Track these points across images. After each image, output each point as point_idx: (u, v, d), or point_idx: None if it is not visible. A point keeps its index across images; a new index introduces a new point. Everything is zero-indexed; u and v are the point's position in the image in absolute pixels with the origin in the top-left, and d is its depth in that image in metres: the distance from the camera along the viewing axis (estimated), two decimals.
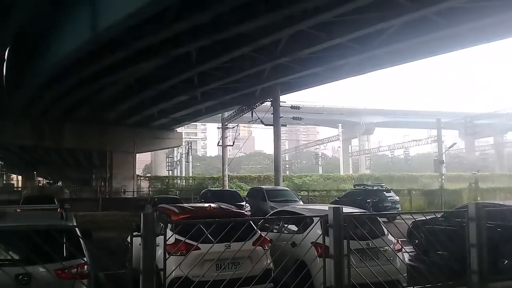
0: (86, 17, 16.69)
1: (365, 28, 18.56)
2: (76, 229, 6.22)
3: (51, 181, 75.36)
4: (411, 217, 9.82)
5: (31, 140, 36.33)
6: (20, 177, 70.89)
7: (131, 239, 4.21)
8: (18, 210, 14.23)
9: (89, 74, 23.51)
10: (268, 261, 6.48)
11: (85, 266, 5.67)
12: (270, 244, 6.97)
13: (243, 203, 19.63)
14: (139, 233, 4.23)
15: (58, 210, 8.33)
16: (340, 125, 70.58)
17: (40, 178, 73.60)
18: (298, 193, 25.52)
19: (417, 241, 11.40)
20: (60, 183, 71.73)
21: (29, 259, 4.86)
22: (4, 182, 69.57)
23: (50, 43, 20.96)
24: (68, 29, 18.72)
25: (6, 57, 23.75)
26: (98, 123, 35.83)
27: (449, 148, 41.76)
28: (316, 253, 6.07)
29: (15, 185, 65.37)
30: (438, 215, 10.55)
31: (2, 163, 65.00)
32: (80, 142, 37.94)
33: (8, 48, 22.50)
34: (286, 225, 8.27)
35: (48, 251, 4.30)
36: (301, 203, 19.72)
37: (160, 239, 4.41)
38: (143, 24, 16.72)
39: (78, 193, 50.57)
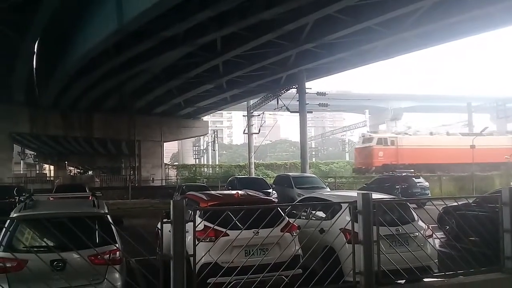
0: (113, 8, 16.89)
1: (394, 10, 18.15)
2: (108, 216, 6.36)
3: (82, 171, 77.11)
4: (442, 202, 9.67)
5: (62, 130, 37.27)
6: (52, 167, 72.77)
7: (162, 226, 4.26)
8: (51, 198, 14.69)
9: (116, 64, 23.88)
10: (297, 247, 6.47)
11: (117, 252, 5.80)
12: (298, 230, 6.96)
13: (270, 190, 19.64)
14: (169, 220, 4.28)
15: (90, 198, 8.54)
16: (367, 111, 69.59)
17: (71, 168, 75.37)
18: (325, 180, 25.39)
19: (448, 227, 11.19)
20: (90, 172, 73.32)
21: (63, 245, 4.99)
22: (37, 172, 71.58)
23: (78, 35, 21.34)
24: (95, 20, 19.01)
25: (36, 50, 24.34)
26: (126, 113, 36.41)
27: (481, 132, 40.74)
28: (345, 239, 6.03)
29: (48, 175, 67.25)
30: (470, 200, 10.30)
31: (35, 154, 66.87)
32: (109, 131, 38.67)
33: (37, 41, 23.03)
34: (314, 212, 8.23)
35: (82, 238, 4.41)
36: (328, 189, 19.60)
37: (189, 226, 4.46)
38: (168, 13, 16.82)
39: (108, 181, 51.65)
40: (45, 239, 5.57)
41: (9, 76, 27.32)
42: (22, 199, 10.38)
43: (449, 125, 57.86)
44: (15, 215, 6.42)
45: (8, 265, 5.33)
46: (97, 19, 18.81)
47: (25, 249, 5.48)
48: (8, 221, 5.92)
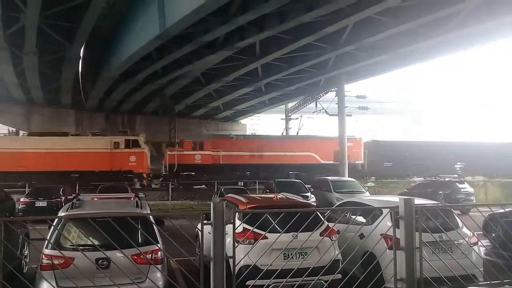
0: (155, 13, 17.30)
1: (437, 12, 17.68)
2: (150, 216, 6.51)
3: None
4: (487, 209, 9.33)
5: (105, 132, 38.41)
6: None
7: (202, 227, 4.33)
8: (95, 199, 15.14)
9: (158, 68, 24.45)
10: (336, 252, 6.41)
11: (159, 252, 5.93)
12: (337, 235, 6.89)
13: (308, 194, 19.50)
14: (209, 222, 4.34)
15: (132, 199, 8.74)
16: (407, 114, 68.15)
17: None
18: (364, 184, 24.97)
19: (494, 234, 10.78)
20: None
21: (108, 244, 5.15)
22: None
23: (122, 40, 21.99)
24: (139, 25, 19.53)
25: (82, 55, 25.28)
26: (166, 115, 37.14)
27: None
28: (386, 245, 5.92)
29: None
30: None
31: None
32: (150, 133, 39.50)
33: (83, 46, 23.91)
34: (354, 217, 8.13)
35: (126, 237, 4.53)
36: (368, 194, 19.26)
37: (228, 228, 4.49)
38: (208, 17, 17.06)
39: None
40: (90, 238, 5.76)
41: (57, 80, 28.48)
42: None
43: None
44: (62, 214, 6.66)
45: (55, 262, 5.56)
46: (141, 24, 19.33)
47: (72, 247, 5.66)
48: (56, 220, 6.17)
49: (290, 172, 31.78)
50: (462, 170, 36.06)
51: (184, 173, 31.19)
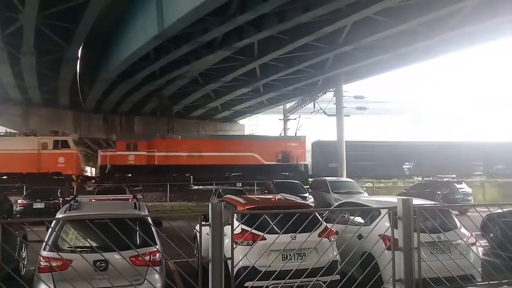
0: (154, 13, 17.27)
1: (436, 11, 17.70)
2: (148, 218, 6.49)
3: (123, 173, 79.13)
4: (485, 209, 9.33)
5: (103, 133, 38.37)
6: (93, 169, 75.08)
7: (200, 229, 4.32)
8: (93, 200, 15.12)
9: (156, 68, 24.42)
10: (335, 253, 6.41)
11: (157, 254, 5.92)
12: (336, 235, 6.89)
13: (306, 194, 19.52)
14: (207, 223, 4.33)
15: (130, 200, 8.72)
16: (407, 114, 68.25)
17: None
18: (363, 185, 24.98)
19: (492, 234, 10.78)
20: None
21: (106, 246, 5.14)
22: None
23: (120, 40, 21.96)
24: (137, 26, 19.51)
25: (79, 55, 25.22)
26: (164, 116, 37.10)
27: None
28: (384, 245, 5.92)
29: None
30: None
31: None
32: (148, 133, 39.42)
33: (81, 47, 23.85)
34: (352, 217, 8.13)
35: (124, 239, 4.52)
36: (366, 194, 19.28)
37: (227, 229, 4.49)
38: (207, 17, 17.05)
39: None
40: (88, 240, 5.74)
41: (55, 81, 28.43)
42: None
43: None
44: (60, 216, 6.64)
45: (53, 264, 5.54)
46: (139, 24, 19.30)
47: (70, 249, 5.64)
48: (54, 221, 6.15)
49: (230, 174, 30.74)
50: (410, 171, 36.01)
51: (118, 175, 29.95)
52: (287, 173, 30.85)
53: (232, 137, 37.75)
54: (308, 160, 34.27)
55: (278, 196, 8.35)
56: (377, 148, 35.76)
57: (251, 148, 32.52)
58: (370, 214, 7.33)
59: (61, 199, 17.75)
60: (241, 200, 7.84)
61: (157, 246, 5.89)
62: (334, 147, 30.42)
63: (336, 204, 12.35)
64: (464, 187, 21.61)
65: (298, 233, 5.67)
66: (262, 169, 30.88)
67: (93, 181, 31.17)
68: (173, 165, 30.70)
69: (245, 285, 5.14)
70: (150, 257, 5.80)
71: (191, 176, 30.71)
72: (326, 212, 8.80)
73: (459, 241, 6.78)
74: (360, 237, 6.81)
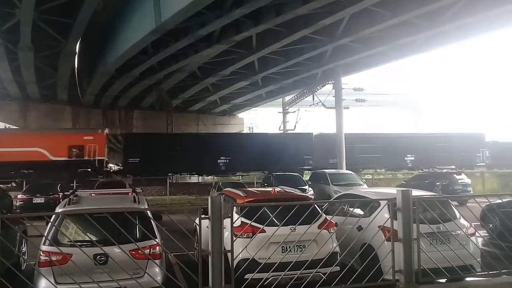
0: (151, 6, 17.20)
1: (434, 2, 17.63)
2: (148, 211, 6.50)
3: (122, 167, 79.04)
4: (485, 200, 9.35)
5: (102, 127, 38.28)
6: None
7: (200, 222, 4.32)
8: (92, 194, 15.15)
9: (154, 63, 24.36)
10: (334, 245, 6.43)
11: (157, 247, 5.93)
12: (335, 227, 6.91)
13: (306, 187, 19.55)
14: (207, 216, 4.34)
15: (129, 194, 8.73)
16: (406, 106, 68.22)
17: (110, 165, 77.50)
18: (362, 177, 25.02)
19: (491, 225, 10.83)
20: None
21: (106, 240, 5.15)
22: None
23: (118, 34, 21.87)
24: (134, 20, 19.42)
25: (77, 50, 25.13)
26: (163, 110, 37.08)
27: None
28: (383, 237, 5.94)
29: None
30: None
31: None
32: (147, 128, 39.42)
33: (79, 41, 23.77)
34: (351, 209, 8.15)
35: (124, 233, 4.52)
36: (366, 186, 19.31)
37: (226, 222, 4.50)
38: (204, 11, 16.98)
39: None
40: (88, 234, 5.75)
41: (53, 76, 28.37)
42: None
43: None
44: (60, 210, 6.64)
45: (53, 258, 5.55)
46: (136, 18, 19.22)
47: (70, 243, 5.64)
48: (54, 216, 6.16)
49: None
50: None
51: None
52: (82, 170, 28.87)
53: (18, 130, 33.61)
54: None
55: (278, 189, 8.36)
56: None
57: (38, 143, 28.96)
58: (369, 205, 7.34)
59: (60, 193, 17.78)
60: (241, 193, 7.85)
61: (157, 240, 5.90)
62: (334, 140, 29.69)
63: (335, 196, 12.37)
64: (463, 178, 21.64)
65: (298, 225, 5.69)
66: (49, 166, 27.91)
67: None
68: None
69: (245, 277, 5.15)
70: (150, 251, 5.81)
71: None
72: (326, 204, 8.83)
73: (459, 232, 6.79)
74: (359, 228, 6.83)
